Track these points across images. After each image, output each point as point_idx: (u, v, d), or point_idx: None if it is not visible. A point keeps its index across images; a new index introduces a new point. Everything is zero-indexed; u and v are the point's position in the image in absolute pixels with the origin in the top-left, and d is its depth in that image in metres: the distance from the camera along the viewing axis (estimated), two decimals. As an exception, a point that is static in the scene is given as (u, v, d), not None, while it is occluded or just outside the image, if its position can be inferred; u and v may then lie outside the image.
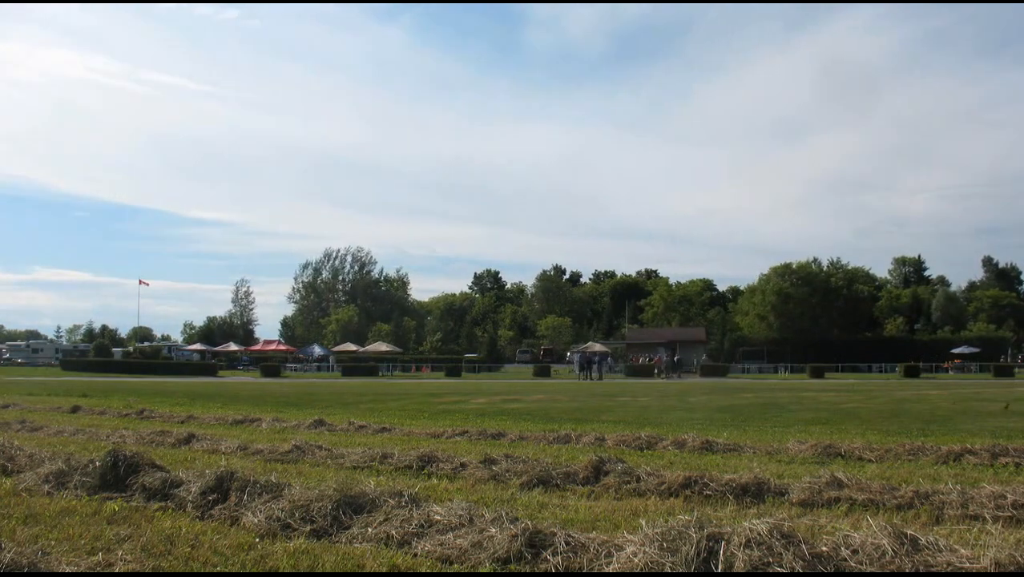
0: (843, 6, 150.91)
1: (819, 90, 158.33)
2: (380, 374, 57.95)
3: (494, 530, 5.29)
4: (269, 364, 59.17)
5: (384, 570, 4.91)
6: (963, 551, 4.40)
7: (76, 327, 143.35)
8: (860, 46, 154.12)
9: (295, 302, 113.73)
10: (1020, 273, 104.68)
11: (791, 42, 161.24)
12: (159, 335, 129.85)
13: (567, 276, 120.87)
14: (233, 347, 76.55)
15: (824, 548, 4.48)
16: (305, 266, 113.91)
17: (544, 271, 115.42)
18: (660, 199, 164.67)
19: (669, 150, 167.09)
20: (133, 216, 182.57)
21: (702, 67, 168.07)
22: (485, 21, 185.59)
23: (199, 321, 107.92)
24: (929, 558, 4.34)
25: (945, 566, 4.26)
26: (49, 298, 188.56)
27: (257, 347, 78.17)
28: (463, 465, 8.74)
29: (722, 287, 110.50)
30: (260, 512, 6.09)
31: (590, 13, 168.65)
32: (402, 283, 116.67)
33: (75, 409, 18.47)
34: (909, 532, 4.57)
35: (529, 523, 5.29)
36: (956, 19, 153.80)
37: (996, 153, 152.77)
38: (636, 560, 4.58)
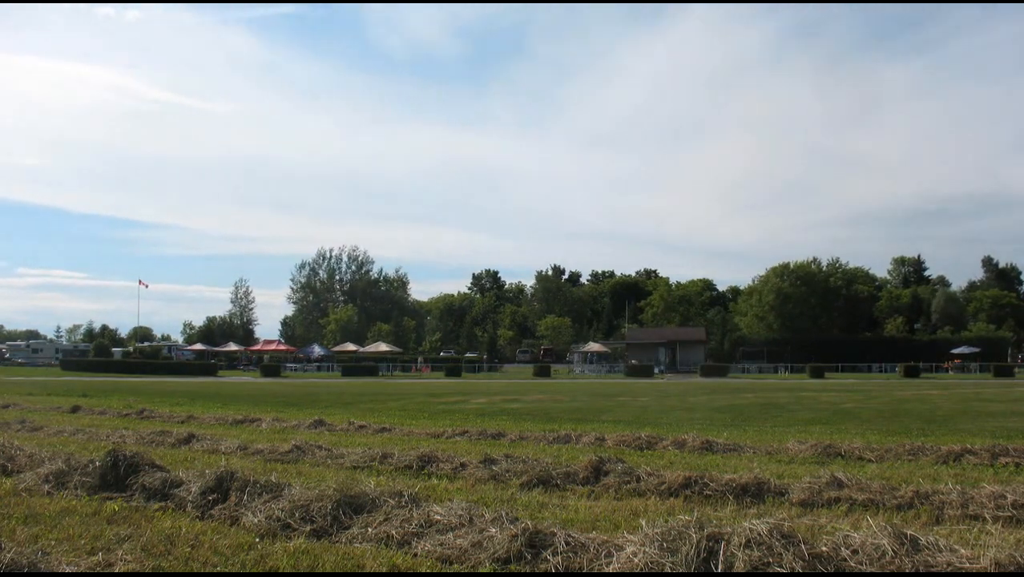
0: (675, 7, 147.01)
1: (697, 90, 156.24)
2: (380, 374, 57.92)
3: (494, 530, 5.29)
4: (269, 364, 59.16)
5: (384, 570, 4.91)
6: (963, 551, 4.40)
7: (76, 327, 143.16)
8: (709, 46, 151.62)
9: (294, 302, 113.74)
10: (1020, 273, 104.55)
11: (642, 41, 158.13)
12: (159, 335, 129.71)
13: (566, 276, 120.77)
14: (233, 347, 76.57)
15: (824, 548, 4.48)
16: (302, 266, 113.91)
17: (542, 271, 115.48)
18: (602, 202, 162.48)
19: (578, 153, 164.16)
20: (92, 221, 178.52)
21: (562, 68, 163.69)
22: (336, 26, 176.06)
23: (199, 321, 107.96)
24: (929, 558, 4.34)
25: (945, 566, 4.26)
26: (47, 300, 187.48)
27: (257, 347, 78.07)
28: (463, 465, 8.74)
29: (721, 287, 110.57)
30: (260, 512, 6.09)
31: (427, 13, 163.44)
32: (401, 283, 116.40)
33: (75, 409, 18.48)
34: (909, 532, 4.57)
35: (529, 523, 5.29)
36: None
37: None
38: (636, 560, 4.58)
